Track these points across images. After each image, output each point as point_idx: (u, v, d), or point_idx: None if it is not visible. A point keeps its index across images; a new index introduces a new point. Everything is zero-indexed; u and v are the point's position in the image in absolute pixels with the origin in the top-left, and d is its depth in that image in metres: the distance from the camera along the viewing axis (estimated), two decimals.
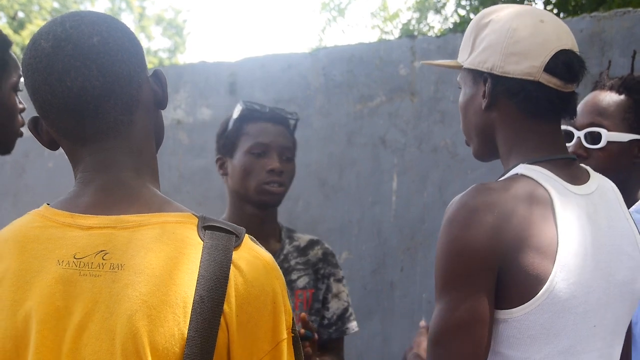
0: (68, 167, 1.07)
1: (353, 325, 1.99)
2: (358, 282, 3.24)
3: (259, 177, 1.87)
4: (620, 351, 1.29)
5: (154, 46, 17.11)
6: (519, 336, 1.18)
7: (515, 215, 1.17)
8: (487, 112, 1.31)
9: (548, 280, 1.15)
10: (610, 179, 1.39)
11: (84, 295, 0.90)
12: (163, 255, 0.91)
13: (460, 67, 1.37)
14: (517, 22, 1.28)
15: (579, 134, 1.73)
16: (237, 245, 0.94)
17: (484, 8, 1.40)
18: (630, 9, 2.85)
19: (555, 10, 5.30)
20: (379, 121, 3.28)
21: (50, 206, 0.99)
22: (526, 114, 1.28)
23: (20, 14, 13.29)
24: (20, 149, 3.21)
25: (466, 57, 1.34)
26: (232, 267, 0.92)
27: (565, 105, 1.29)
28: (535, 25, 1.27)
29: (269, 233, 1.95)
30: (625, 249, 1.27)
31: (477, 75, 1.32)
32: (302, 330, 1.66)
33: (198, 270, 0.90)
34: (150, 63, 14.00)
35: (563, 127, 1.73)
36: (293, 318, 0.98)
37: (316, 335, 1.70)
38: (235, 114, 1.94)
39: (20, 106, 1.61)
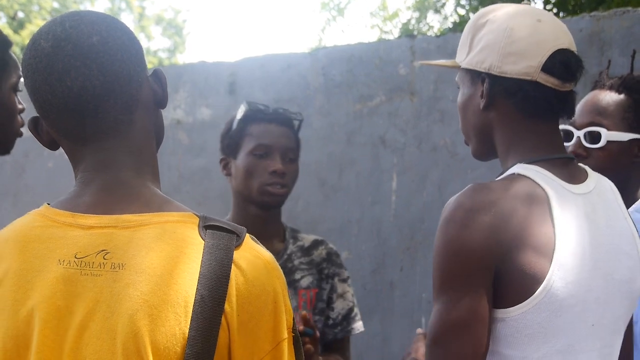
0: (68, 167, 1.07)
1: (358, 325, 1.99)
2: (358, 282, 3.24)
3: (261, 178, 1.88)
4: (619, 350, 1.29)
5: (154, 46, 17.11)
6: (516, 335, 1.18)
7: (512, 215, 1.17)
8: (485, 112, 1.31)
9: (545, 279, 1.15)
10: (610, 179, 1.39)
11: (85, 295, 0.90)
12: (164, 255, 0.91)
13: (458, 67, 1.37)
14: (514, 22, 1.28)
15: (579, 134, 1.73)
16: (238, 244, 0.94)
17: (483, 7, 1.40)
18: (629, 8, 2.85)
19: (554, 10, 5.30)
20: (378, 121, 3.28)
21: (51, 206, 0.99)
22: (524, 114, 1.29)
23: (20, 14, 13.30)
24: (20, 148, 3.21)
25: (464, 57, 1.34)
26: (233, 266, 0.92)
27: (563, 105, 1.30)
28: (533, 24, 1.27)
29: (272, 233, 1.96)
30: (623, 248, 1.27)
31: (475, 76, 1.32)
32: (302, 327, 1.66)
33: (199, 269, 0.90)
34: (150, 63, 13.99)
35: (563, 126, 1.73)
36: (293, 318, 0.98)
37: (317, 333, 1.70)
38: (239, 114, 1.94)
39: (20, 106, 1.61)
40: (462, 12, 6.52)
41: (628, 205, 1.61)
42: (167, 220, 0.94)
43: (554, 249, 1.16)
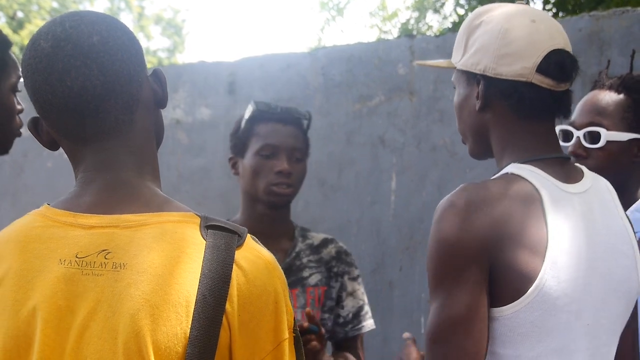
0: (67, 167, 1.07)
1: (369, 323, 2.00)
2: None
3: (267, 178, 1.88)
4: (616, 350, 1.29)
5: (153, 46, 17.10)
6: (509, 334, 1.18)
7: (505, 213, 1.17)
8: (481, 113, 1.32)
9: (537, 278, 1.15)
10: (610, 179, 1.39)
11: (87, 295, 0.90)
12: (165, 255, 0.91)
13: (454, 68, 1.37)
14: (509, 23, 1.28)
15: (578, 134, 1.73)
16: (240, 244, 0.94)
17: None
18: (629, 8, 2.85)
19: (554, 9, 5.30)
20: (378, 121, 3.28)
21: (51, 206, 0.99)
22: (519, 115, 1.29)
23: (20, 14, 13.30)
24: (19, 148, 3.20)
25: (459, 59, 1.34)
26: (234, 266, 0.92)
27: (558, 105, 1.30)
28: (527, 25, 1.27)
29: (281, 232, 1.97)
30: (620, 247, 1.27)
31: (470, 77, 1.32)
32: (306, 324, 1.66)
33: (200, 269, 0.90)
34: (149, 63, 13.99)
35: (562, 127, 1.73)
36: (294, 318, 0.98)
37: (323, 330, 1.70)
38: (247, 114, 1.95)
39: (19, 107, 1.61)
40: (461, 11, 6.52)
41: (628, 205, 1.61)
42: (167, 220, 0.94)
43: (546, 248, 1.16)
